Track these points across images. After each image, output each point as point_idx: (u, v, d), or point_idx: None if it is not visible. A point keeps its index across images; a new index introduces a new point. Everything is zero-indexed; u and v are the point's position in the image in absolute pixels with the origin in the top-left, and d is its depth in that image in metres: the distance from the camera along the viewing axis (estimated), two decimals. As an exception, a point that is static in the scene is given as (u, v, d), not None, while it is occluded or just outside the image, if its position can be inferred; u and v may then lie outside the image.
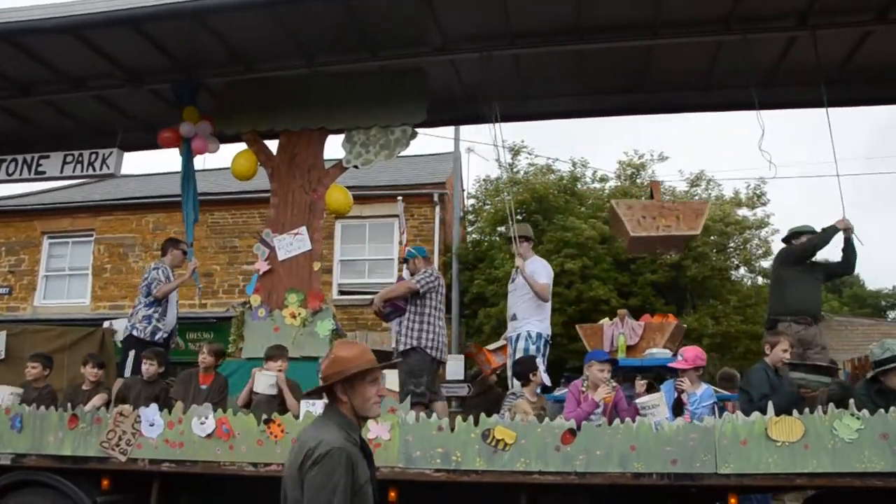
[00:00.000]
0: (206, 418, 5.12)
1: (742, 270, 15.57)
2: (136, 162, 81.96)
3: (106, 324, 7.43)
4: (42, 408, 5.47)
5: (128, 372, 6.52)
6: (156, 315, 6.77)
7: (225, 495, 5.43)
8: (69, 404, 5.46)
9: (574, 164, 15.95)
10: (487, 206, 16.42)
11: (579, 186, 15.65)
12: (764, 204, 15.51)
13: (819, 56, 6.08)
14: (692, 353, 5.42)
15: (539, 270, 6.37)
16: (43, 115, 8.17)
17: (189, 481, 5.32)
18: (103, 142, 8.30)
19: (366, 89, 6.75)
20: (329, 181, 6.76)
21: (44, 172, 7.52)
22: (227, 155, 12.17)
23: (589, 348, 6.35)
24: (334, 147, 7.07)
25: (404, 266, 7.02)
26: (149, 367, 5.99)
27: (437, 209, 14.55)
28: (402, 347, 6.28)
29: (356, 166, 6.67)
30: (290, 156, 6.82)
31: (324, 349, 6.14)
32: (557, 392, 6.47)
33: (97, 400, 5.89)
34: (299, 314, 6.38)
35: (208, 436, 5.09)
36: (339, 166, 6.76)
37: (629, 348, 6.52)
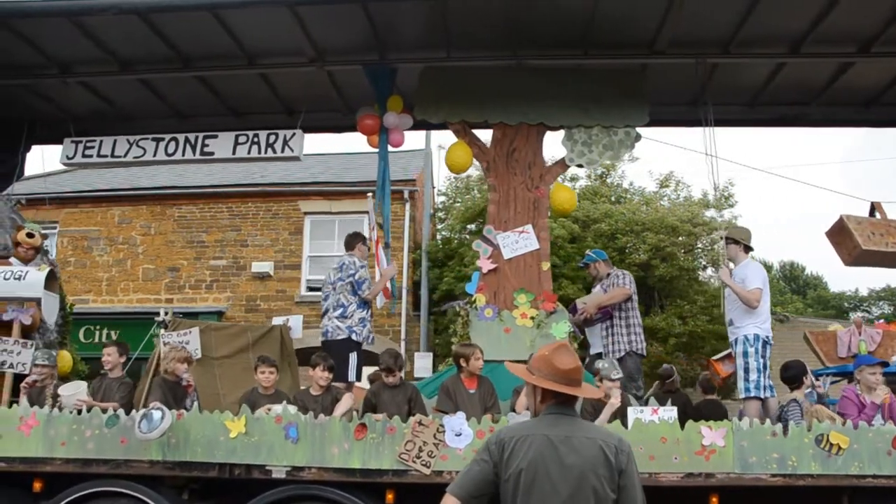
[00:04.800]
0: (520, 426, 4.95)
1: (709, 271, 16.09)
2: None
3: (279, 320, 6.95)
4: (322, 416, 5.09)
5: (352, 377, 6.14)
6: (368, 316, 6.42)
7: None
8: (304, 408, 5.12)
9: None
10: (458, 204, 16.60)
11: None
12: (731, 206, 16.19)
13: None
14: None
15: (750, 276, 6.41)
16: (186, 91, 7.59)
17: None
18: (234, 123, 7.87)
19: (581, 87, 6.67)
20: (551, 179, 6.62)
21: (211, 153, 6.92)
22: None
23: (822, 354, 6.60)
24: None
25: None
26: (390, 377, 5.68)
27: (408, 206, 14.66)
28: (617, 354, 6.33)
29: (580, 165, 6.60)
30: (508, 151, 6.63)
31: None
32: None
33: (344, 406, 5.51)
34: (532, 315, 6.26)
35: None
36: (562, 164, 6.65)
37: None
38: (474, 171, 17.02)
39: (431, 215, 16.01)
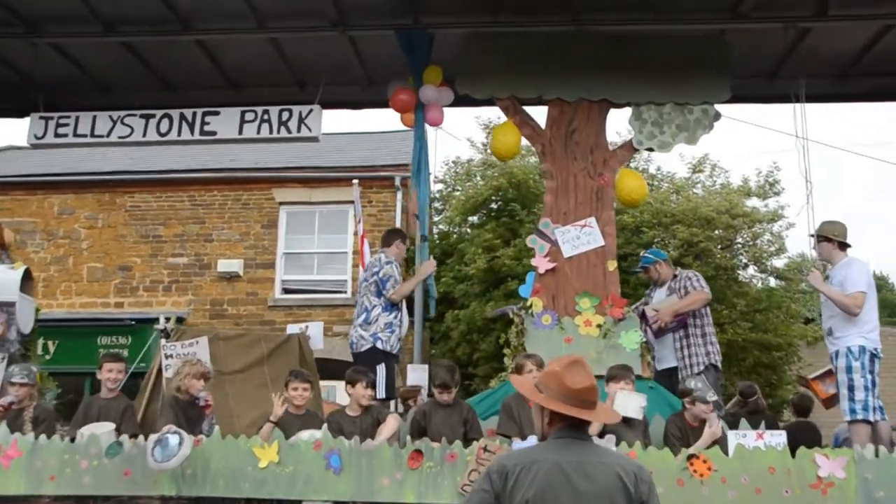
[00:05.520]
0: (606, 453, 4.76)
1: (751, 270, 15.87)
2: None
3: (295, 328, 6.66)
4: (369, 442, 4.85)
5: (382, 392, 5.92)
6: (396, 321, 6.21)
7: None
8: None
9: None
10: (458, 192, 16.33)
11: None
12: (777, 193, 16.00)
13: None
14: None
15: (851, 277, 6.31)
16: (179, 58, 7.29)
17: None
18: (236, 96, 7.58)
19: (651, 57, 6.54)
20: (616, 164, 6.47)
21: (213, 133, 6.67)
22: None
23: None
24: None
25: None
26: (445, 394, 5.46)
27: (399, 195, 14.24)
28: (696, 368, 6.19)
29: (650, 149, 6.44)
30: (566, 132, 6.45)
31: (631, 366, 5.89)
32: None
33: (390, 428, 5.27)
34: (597, 323, 6.08)
35: (611, 475, 4.74)
36: (628, 147, 6.50)
37: None
38: (476, 154, 16.93)
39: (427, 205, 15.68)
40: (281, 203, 14.53)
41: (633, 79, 6.49)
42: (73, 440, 4.88)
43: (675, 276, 6.62)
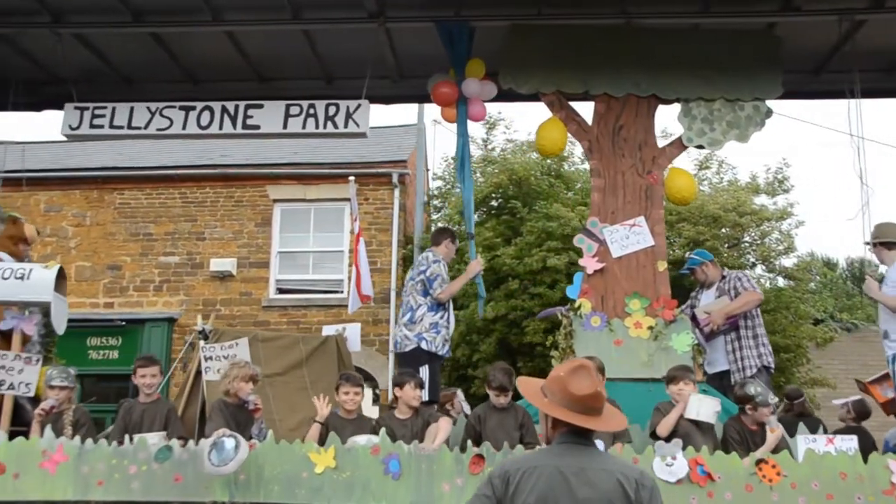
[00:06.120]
0: (675, 458, 4.66)
1: (759, 269, 15.48)
2: None
3: (331, 329, 6.52)
4: (429, 446, 4.73)
5: (426, 395, 5.80)
6: (442, 321, 6.10)
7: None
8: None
9: None
10: (457, 190, 16.00)
11: (566, 167, 15.23)
12: (787, 191, 15.67)
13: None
14: None
15: None
16: (206, 49, 7.14)
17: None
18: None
19: (701, 52, 6.45)
20: (665, 162, 6.37)
21: (256, 127, 6.46)
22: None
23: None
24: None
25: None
26: (502, 397, 5.34)
27: (397, 192, 14.15)
28: (749, 371, 6.12)
29: (701, 146, 6.34)
30: (613, 128, 6.35)
31: (685, 368, 5.80)
32: None
33: (444, 432, 5.14)
34: (648, 325, 5.98)
35: (678, 481, 4.64)
36: (678, 144, 6.39)
37: None
38: (476, 150, 16.73)
39: (425, 203, 15.47)
40: (275, 200, 14.30)
41: (682, 74, 6.39)
42: (120, 444, 4.73)
43: (723, 277, 6.54)
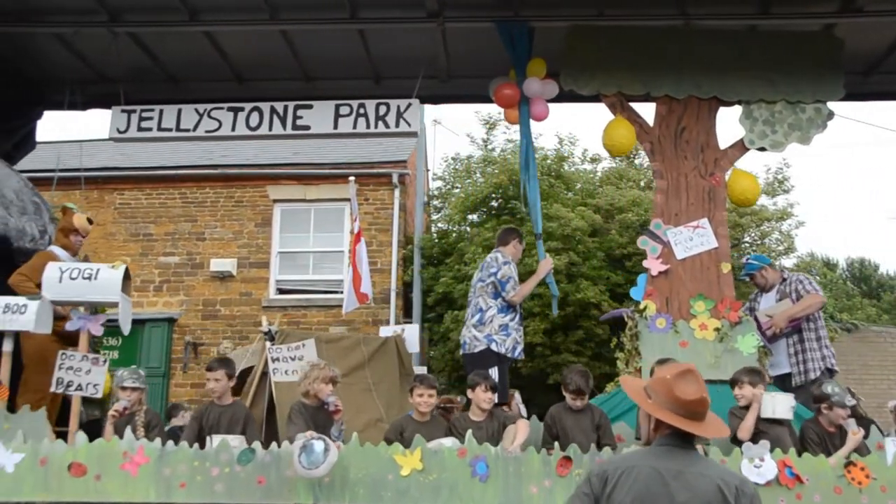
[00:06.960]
0: (763, 459, 4.68)
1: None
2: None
3: (389, 330, 6.50)
4: (516, 448, 4.73)
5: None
6: (513, 323, 6.10)
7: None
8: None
9: (560, 142, 15.60)
10: (457, 190, 16.06)
11: (566, 168, 15.38)
12: (787, 191, 15.89)
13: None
14: None
15: None
16: (256, 48, 7.13)
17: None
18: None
19: (762, 53, 6.48)
20: (727, 164, 6.40)
21: (306, 128, 6.48)
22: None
23: None
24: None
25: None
26: (579, 400, 5.35)
27: (397, 192, 14.12)
28: (813, 374, 6.15)
29: (763, 149, 6.38)
30: (676, 130, 6.38)
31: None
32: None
33: (522, 433, 5.14)
34: (714, 326, 6.00)
35: (767, 482, 4.66)
36: (740, 146, 6.42)
37: None
38: (476, 150, 16.72)
39: (425, 203, 15.50)
40: (275, 200, 14.27)
41: (744, 76, 6.43)
42: (202, 446, 4.71)
43: (783, 280, 6.56)
